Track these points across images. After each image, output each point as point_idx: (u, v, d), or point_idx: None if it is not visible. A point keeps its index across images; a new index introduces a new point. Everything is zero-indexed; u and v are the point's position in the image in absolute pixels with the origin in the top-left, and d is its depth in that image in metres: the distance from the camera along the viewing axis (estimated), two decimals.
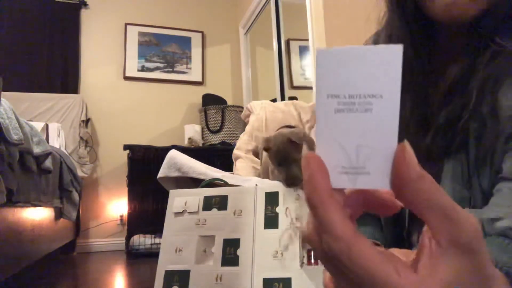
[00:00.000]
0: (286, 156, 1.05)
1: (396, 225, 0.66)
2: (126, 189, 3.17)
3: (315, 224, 0.23)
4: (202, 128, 3.73)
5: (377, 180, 0.23)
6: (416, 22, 0.57)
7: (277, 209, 1.02)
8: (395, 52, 0.21)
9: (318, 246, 0.23)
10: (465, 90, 0.53)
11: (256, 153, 1.09)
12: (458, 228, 0.21)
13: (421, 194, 0.21)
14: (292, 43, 3.40)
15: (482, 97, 0.51)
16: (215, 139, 3.63)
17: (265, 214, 1.03)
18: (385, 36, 0.61)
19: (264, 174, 1.34)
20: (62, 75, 3.59)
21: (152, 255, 2.85)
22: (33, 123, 2.12)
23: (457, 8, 0.50)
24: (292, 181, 1.02)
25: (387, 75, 0.22)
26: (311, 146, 1.06)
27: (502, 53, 0.50)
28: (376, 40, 0.66)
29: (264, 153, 1.34)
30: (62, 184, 2.48)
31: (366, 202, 0.25)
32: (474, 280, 0.21)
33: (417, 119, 0.59)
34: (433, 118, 0.57)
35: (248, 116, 1.98)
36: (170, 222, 1.09)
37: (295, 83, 3.35)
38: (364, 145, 0.23)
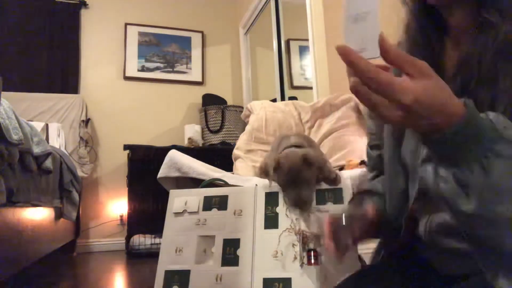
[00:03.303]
0: (298, 175, 0.97)
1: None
2: (126, 189, 3.17)
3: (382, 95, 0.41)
4: (202, 128, 3.73)
5: (371, 52, 0.42)
6: (425, 15, 0.64)
7: (277, 209, 1.02)
8: None
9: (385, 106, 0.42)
10: (473, 64, 0.56)
11: (265, 171, 1.03)
12: (420, 65, 0.42)
13: (399, 56, 0.41)
14: (292, 43, 3.40)
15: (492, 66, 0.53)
16: (215, 139, 3.63)
17: (265, 214, 1.03)
18: (404, 33, 0.68)
19: None
20: (62, 75, 3.59)
21: (152, 255, 2.85)
22: (33, 123, 2.12)
23: None
24: (301, 204, 0.95)
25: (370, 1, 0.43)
26: (323, 167, 0.99)
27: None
28: (401, 43, 0.70)
29: None
30: (62, 184, 2.48)
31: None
32: (439, 93, 0.42)
33: None
34: None
35: (248, 116, 1.98)
36: (170, 222, 1.09)
37: (295, 83, 3.35)
38: (365, 36, 0.43)
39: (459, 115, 0.42)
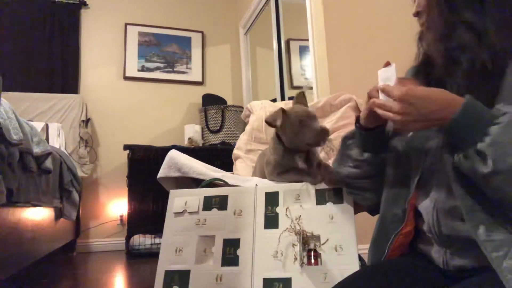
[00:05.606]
0: (307, 113, 1.05)
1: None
2: (126, 189, 3.17)
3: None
4: (202, 128, 3.73)
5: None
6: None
7: (277, 209, 1.02)
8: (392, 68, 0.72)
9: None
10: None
11: (273, 124, 1.07)
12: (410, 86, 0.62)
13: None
14: (292, 43, 3.40)
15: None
16: (215, 139, 3.63)
17: (265, 214, 1.03)
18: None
19: (259, 172, 1.33)
20: (62, 75, 3.59)
21: (152, 255, 2.85)
22: (33, 123, 2.12)
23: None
24: (323, 134, 1.01)
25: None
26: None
27: None
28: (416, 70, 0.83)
29: (259, 164, 1.34)
30: (62, 184, 2.48)
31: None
32: (432, 92, 0.59)
33: None
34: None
35: (248, 116, 1.97)
36: (170, 222, 1.09)
37: (295, 83, 3.34)
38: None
39: (459, 105, 0.56)
